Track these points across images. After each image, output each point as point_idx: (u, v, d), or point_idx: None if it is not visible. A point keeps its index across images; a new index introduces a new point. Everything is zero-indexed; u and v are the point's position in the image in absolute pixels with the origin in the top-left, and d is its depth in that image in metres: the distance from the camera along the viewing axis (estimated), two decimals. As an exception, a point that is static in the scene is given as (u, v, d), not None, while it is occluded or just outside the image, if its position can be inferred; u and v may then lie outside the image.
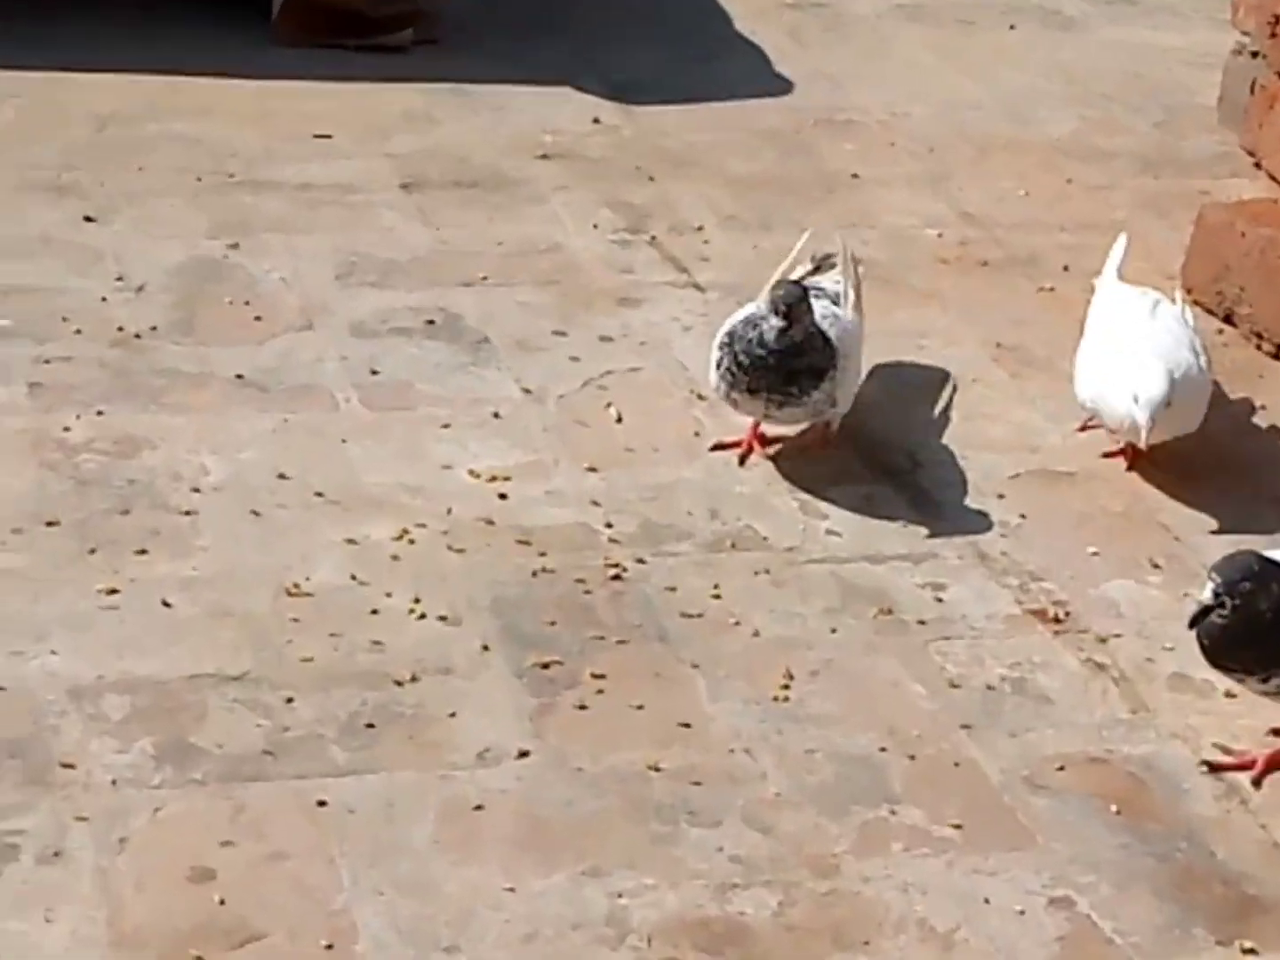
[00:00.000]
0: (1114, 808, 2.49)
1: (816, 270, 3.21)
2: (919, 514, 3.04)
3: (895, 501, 3.04)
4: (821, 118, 4.12)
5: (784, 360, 2.91)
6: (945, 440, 3.20)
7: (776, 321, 2.89)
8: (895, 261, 3.55)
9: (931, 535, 2.95)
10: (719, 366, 2.97)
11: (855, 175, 3.92)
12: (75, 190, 3.61)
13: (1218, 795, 2.53)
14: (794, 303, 2.90)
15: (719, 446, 3.06)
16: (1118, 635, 2.85)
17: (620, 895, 2.30)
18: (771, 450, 3.10)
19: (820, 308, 3.02)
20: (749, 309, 3.03)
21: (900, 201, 3.85)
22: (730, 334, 2.97)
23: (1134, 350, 3.04)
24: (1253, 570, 2.46)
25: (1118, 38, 4.61)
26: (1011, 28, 4.67)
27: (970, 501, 3.06)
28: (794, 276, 3.15)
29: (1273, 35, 3.99)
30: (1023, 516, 2.87)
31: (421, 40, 4.25)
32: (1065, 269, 3.67)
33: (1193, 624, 2.49)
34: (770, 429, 3.13)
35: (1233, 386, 3.19)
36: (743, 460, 3.05)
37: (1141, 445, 3.02)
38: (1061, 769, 2.55)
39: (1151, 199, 3.90)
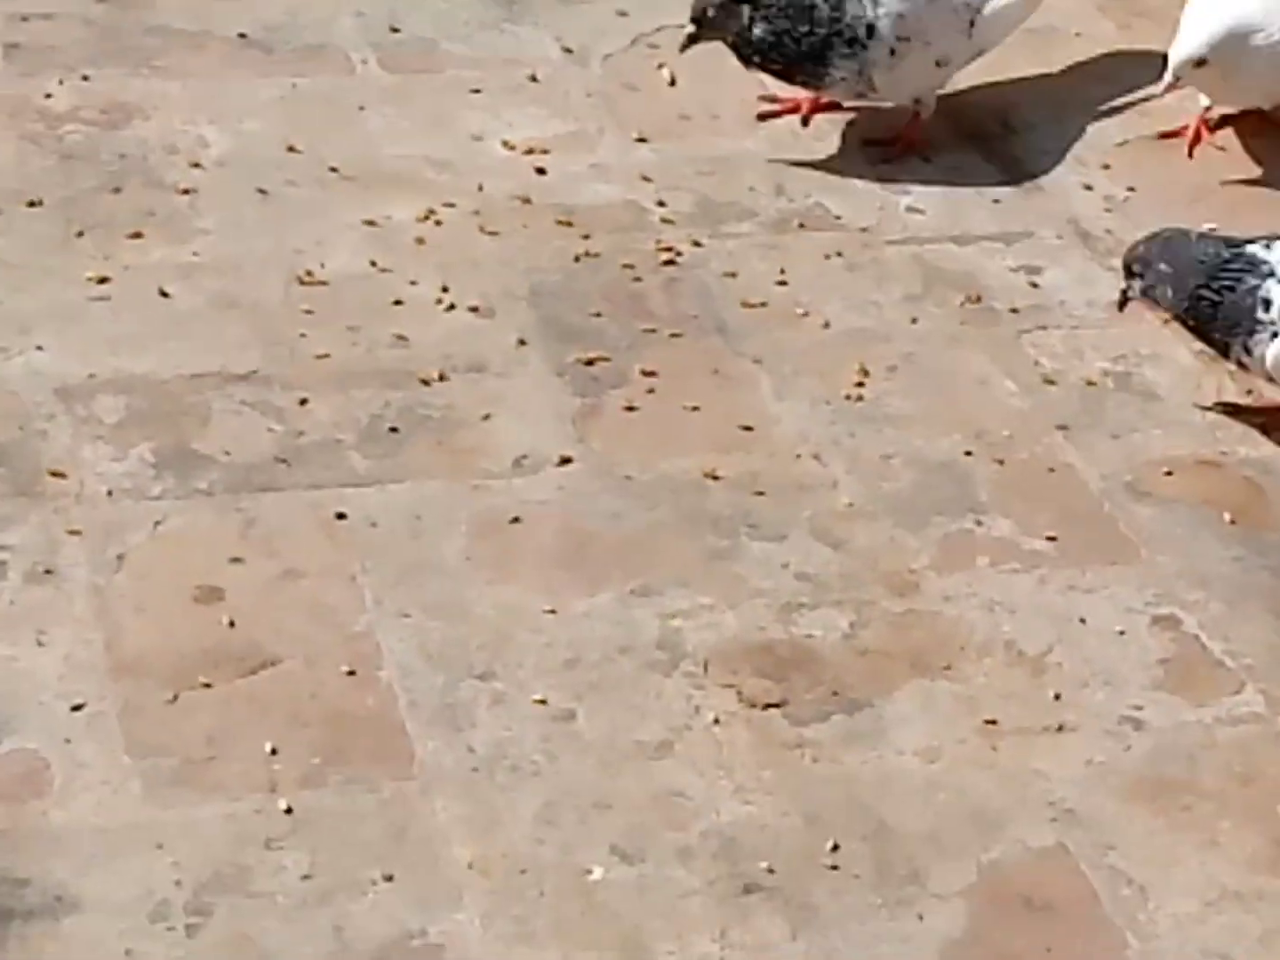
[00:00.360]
0: (1227, 516, 2.43)
1: None
2: (1012, 187, 2.97)
3: (985, 173, 2.98)
4: None
5: (775, 35, 2.87)
6: (1042, 102, 3.11)
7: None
8: None
9: (1026, 211, 2.87)
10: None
11: None
12: None
13: None
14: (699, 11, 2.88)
15: (766, 115, 3.03)
16: (1236, 324, 2.72)
17: (673, 616, 2.27)
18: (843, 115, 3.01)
19: None
20: None
21: None
22: None
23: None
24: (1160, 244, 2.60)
25: None
26: None
27: (1070, 172, 2.98)
28: None
29: None
30: (1130, 189, 2.77)
31: None
32: None
33: (1120, 305, 2.66)
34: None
35: None
36: (805, 122, 3.00)
37: (1159, 92, 2.92)
38: (1169, 474, 2.49)
39: None
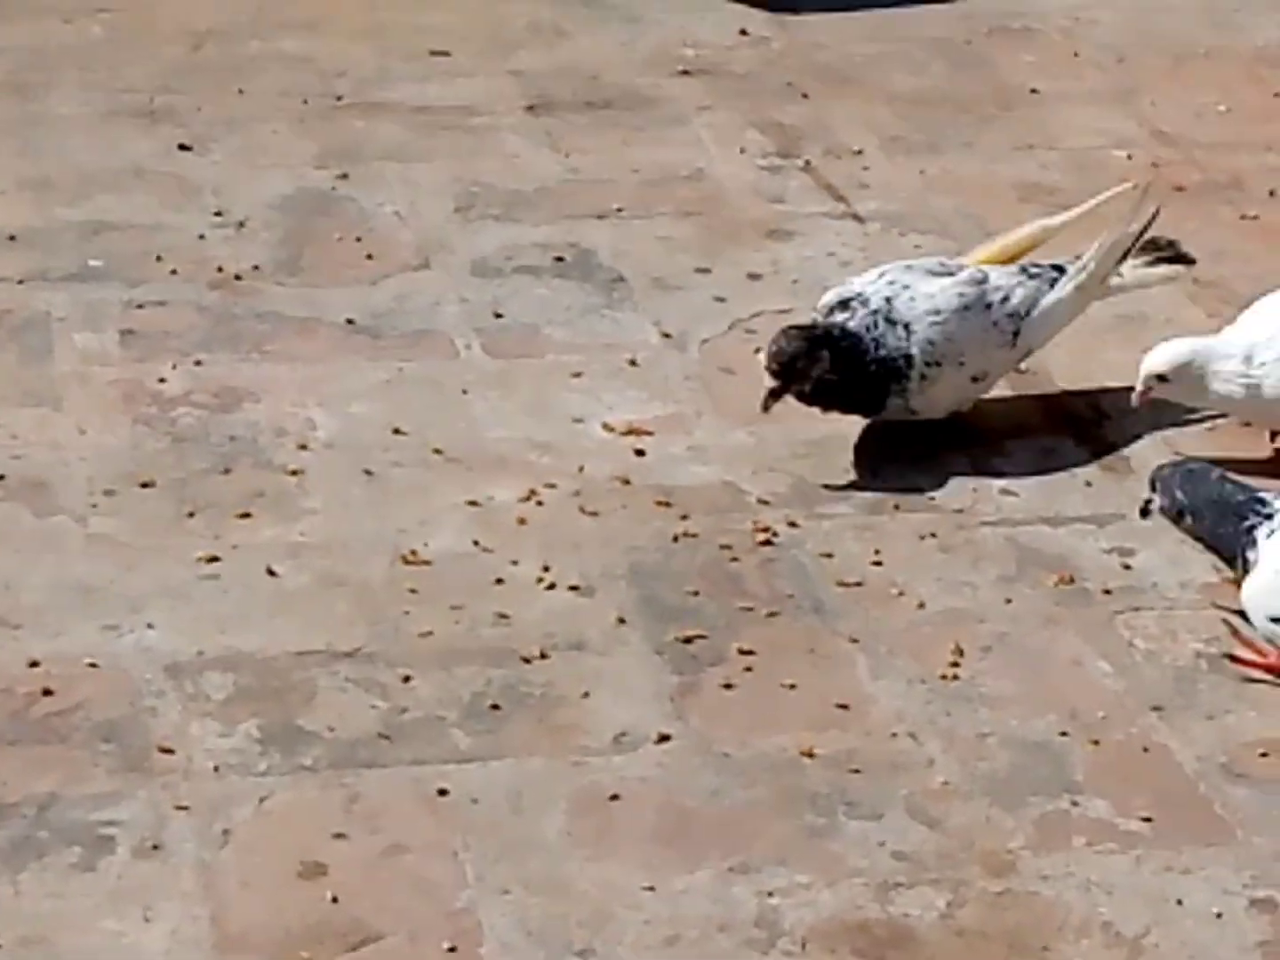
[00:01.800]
0: None
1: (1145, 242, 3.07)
2: (1104, 470, 2.94)
3: (1078, 456, 2.95)
4: (996, 25, 4.08)
5: (822, 395, 2.89)
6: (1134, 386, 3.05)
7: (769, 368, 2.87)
8: (1080, 188, 3.40)
9: (1119, 494, 2.83)
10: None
11: (1034, 90, 3.85)
12: (170, 116, 3.58)
13: None
14: (785, 363, 2.84)
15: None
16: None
17: (771, 894, 2.21)
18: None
19: (950, 287, 2.91)
20: (861, 280, 2.94)
21: (1085, 119, 3.76)
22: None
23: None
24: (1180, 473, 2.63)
25: None
26: None
27: (1162, 456, 2.92)
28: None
29: None
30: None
31: None
32: (1271, 194, 3.57)
33: (1142, 514, 2.66)
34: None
35: None
36: None
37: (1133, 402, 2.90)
38: (1265, 755, 2.43)
39: None
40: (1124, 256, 3.01)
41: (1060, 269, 2.97)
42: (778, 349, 2.80)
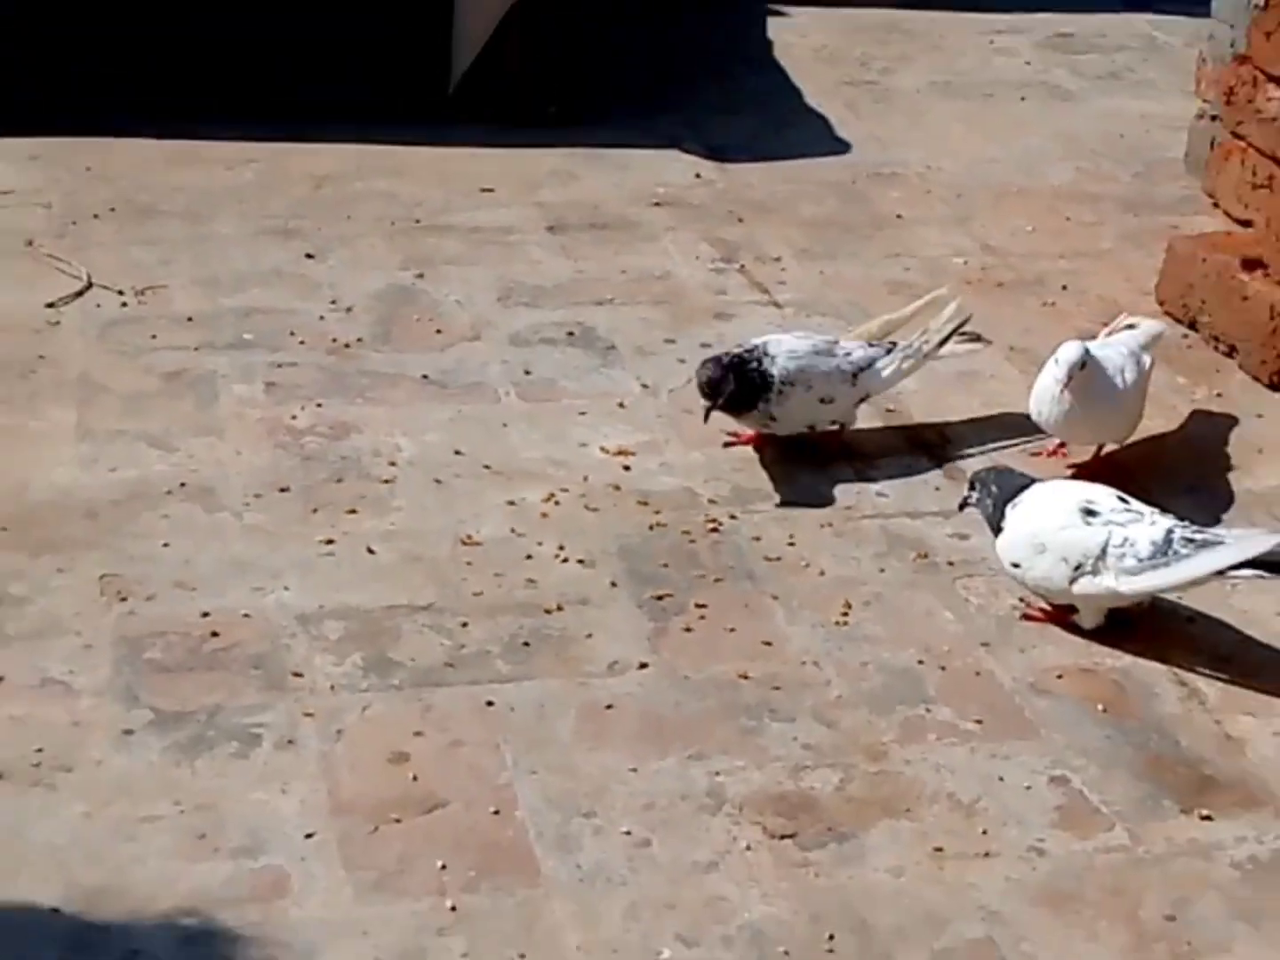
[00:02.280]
0: (1100, 707, 2.44)
1: (956, 331, 3.07)
2: (948, 479, 2.96)
3: (929, 469, 2.98)
4: (872, 172, 4.07)
5: (714, 400, 2.88)
6: (970, 425, 3.13)
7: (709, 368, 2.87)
8: (931, 284, 3.43)
9: (958, 495, 2.79)
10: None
11: (899, 216, 3.86)
12: (299, 234, 3.61)
13: (1182, 698, 2.47)
14: (711, 387, 2.86)
15: (729, 444, 3.02)
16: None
17: (718, 774, 2.27)
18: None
19: (811, 342, 2.96)
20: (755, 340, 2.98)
21: (934, 237, 3.79)
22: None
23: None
24: (985, 475, 2.66)
25: (1106, 107, 4.57)
26: (1022, 99, 4.61)
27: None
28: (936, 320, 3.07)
29: (1228, 103, 3.91)
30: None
31: (562, 115, 4.20)
32: (1064, 288, 3.60)
33: (960, 507, 2.68)
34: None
35: (1196, 379, 3.11)
36: (746, 443, 3.03)
37: (1060, 392, 2.83)
38: (1060, 677, 2.50)
39: (1132, 233, 3.83)
40: (940, 344, 3.02)
41: (894, 345, 3.00)
42: (705, 379, 2.83)
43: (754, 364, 2.86)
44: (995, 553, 2.60)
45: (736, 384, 2.84)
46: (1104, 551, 2.49)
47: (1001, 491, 2.58)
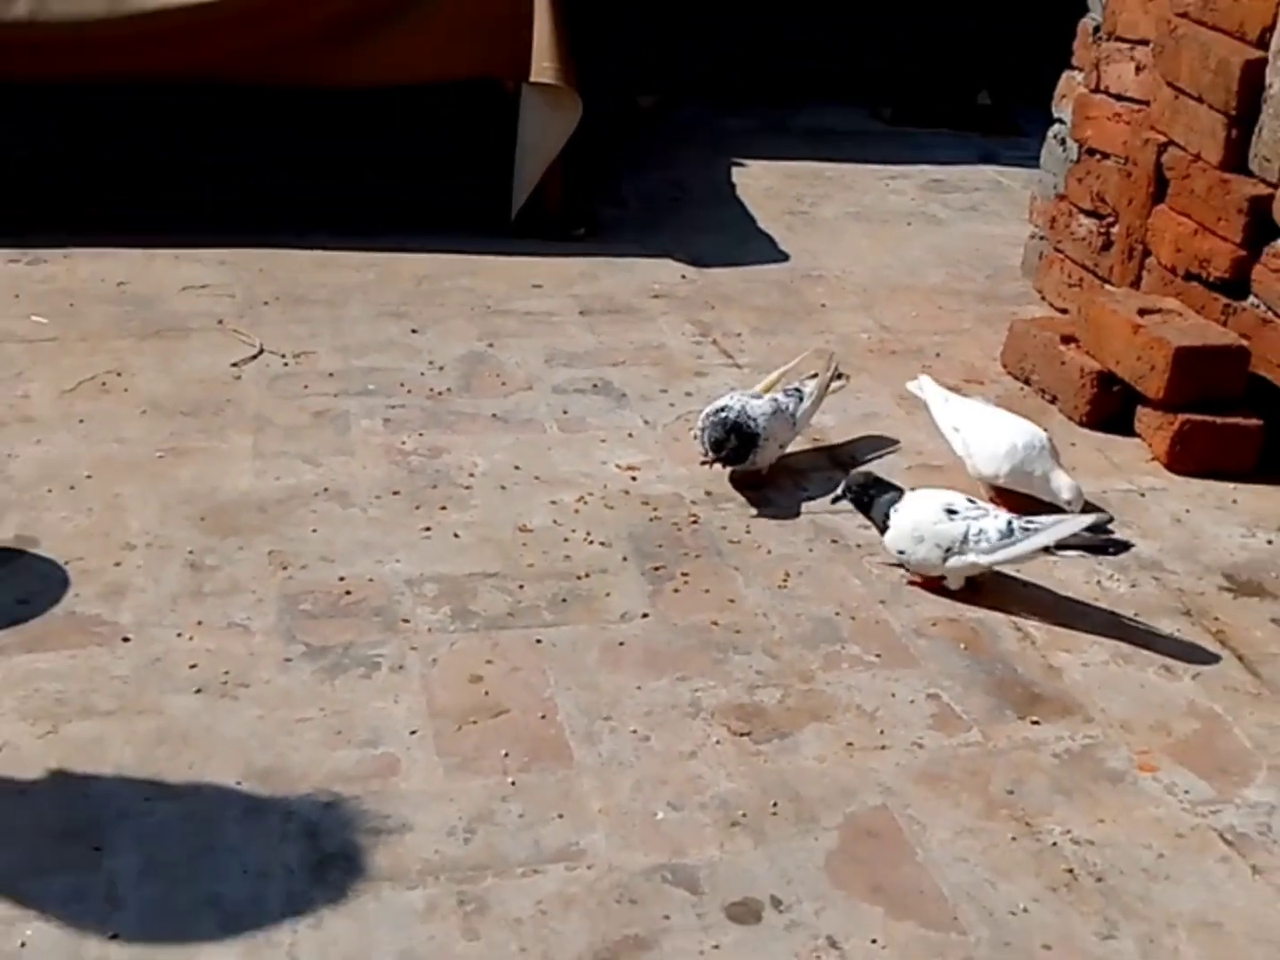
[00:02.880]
0: (962, 645, 2.43)
1: (811, 377, 3.01)
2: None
3: (843, 478, 2.86)
4: (804, 274, 4.06)
5: (718, 446, 2.78)
6: (873, 449, 3.11)
7: (716, 431, 2.76)
8: (844, 352, 3.44)
9: None
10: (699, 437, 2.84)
11: (823, 305, 3.85)
12: (406, 315, 3.60)
13: (1018, 639, 2.45)
14: (721, 421, 2.77)
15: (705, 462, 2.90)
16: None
17: (697, 691, 2.27)
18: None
19: (766, 401, 2.85)
20: (725, 399, 2.85)
21: (847, 319, 3.78)
22: (702, 424, 2.81)
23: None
24: (864, 480, 2.62)
25: (966, 230, 4.56)
26: (908, 224, 4.59)
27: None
28: (791, 381, 3.02)
29: (1051, 227, 3.92)
30: (913, 488, 2.68)
31: (589, 234, 4.20)
32: (937, 355, 3.59)
33: (833, 500, 2.66)
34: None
35: (1030, 419, 2.99)
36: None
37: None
38: (934, 625, 2.48)
39: (985, 317, 3.82)
40: (828, 385, 2.99)
41: (800, 390, 2.94)
42: (713, 440, 2.75)
43: (746, 425, 2.77)
44: (883, 544, 2.58)
45: (737, 442, 2.76)
46: (965, 538, 2.49)
47: (880, 498, 2.57)
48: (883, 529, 2.56)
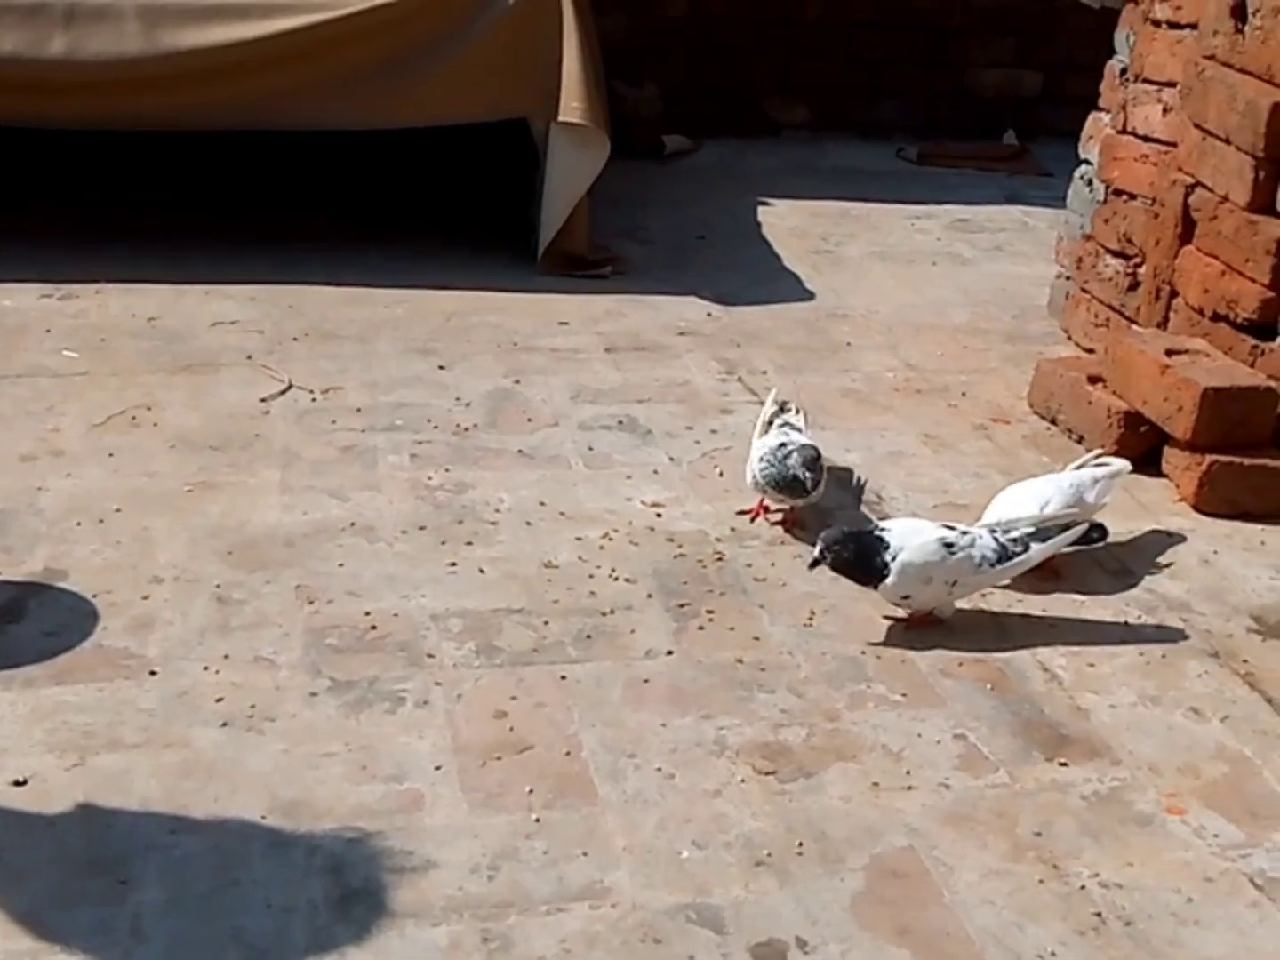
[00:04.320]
0: (989, 686, 2.41)
1: (781, 408, 2.98)
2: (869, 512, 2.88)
3: (869, 522, 2.91)
4: (829, 313, 4.05)
5: (788, 479, 2.75)
6: (898, 488, 3.10)
7: (806, 473, 2.73)
8: (869, 390, 3.47)
9: None
10: (759, 473, 2.77)
11: (848, 344, 3.84)
12: (434, 352, 3.60)
13: (1045, 680, 2.43)
14: (812, 458, 2.76)
15: (742, 512, 2.89)
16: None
17: (721, 728, 2.25)
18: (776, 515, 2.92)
19: (802, 439, 2.83)
20: (770, 441, 2.82)
21: (872, 358, 3.77)
22: (767, 458, 2.77)
23: None
24: (840, 535, 2.53)
25: (992, 270, 4.55)
26: (934, 264, 4.59)
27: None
28: (766, 414, 2.97)
29: (1078, 267, 3.91)
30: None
31: (615, 272, 4.20)
32: (963, 394, 3.57)
33: (811, 566, 2.55)
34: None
35: (1056, 458, 3.08)
36: (753, 519, 2.88)
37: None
38: (960, 665, 2.46)
39: (1011, 356, 3.81)
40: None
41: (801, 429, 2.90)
42: (806, 462, 2.74)
43: (818, 454, 2.78)
44: (881, 592, 2.52)
45: (819, 470, 2.76)
46: (970, 567, 2.51)
47: (864, 550, 2.51)
48: (879, 578, 2.50)
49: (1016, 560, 2.55)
